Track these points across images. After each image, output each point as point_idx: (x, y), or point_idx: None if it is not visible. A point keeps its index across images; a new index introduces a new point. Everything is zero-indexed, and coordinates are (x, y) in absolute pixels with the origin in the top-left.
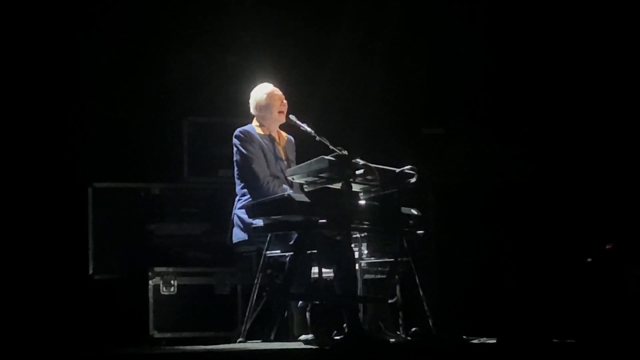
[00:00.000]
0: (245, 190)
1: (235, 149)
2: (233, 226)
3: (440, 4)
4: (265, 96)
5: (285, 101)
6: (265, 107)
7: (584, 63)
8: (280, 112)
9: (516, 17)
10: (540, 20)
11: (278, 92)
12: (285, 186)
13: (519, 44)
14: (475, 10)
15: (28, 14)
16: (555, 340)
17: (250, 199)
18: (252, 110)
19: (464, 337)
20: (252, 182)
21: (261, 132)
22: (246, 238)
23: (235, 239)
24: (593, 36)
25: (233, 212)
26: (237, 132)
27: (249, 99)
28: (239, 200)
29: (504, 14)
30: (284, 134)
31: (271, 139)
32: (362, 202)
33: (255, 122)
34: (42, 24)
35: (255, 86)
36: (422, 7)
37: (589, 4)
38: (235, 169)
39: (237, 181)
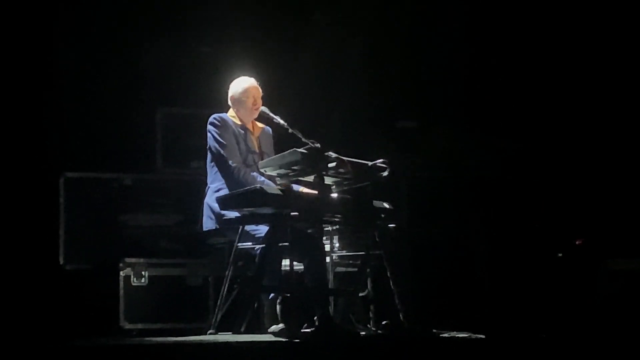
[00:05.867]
0: (216, 177)
1: (209, 134)
2: (203, 215)
3: None
4: (241, 90)
5: (259, 101)
6: (237, 101)
7: (558, 57)
8: (254, 108)
9: (492, 10)
10: (516, 14)
11: (255, 89)
12: (255, 174)
13: (493, 37)
14: (450, 3)
15: None
16: (534, 335)
17: (222, 189)
18: (228, 101)
19: (435, 330)
20: (223, 169)
21: (236, 122)
22: (216, 227)
23: (205, 228)
24: (568, 30)
25: (204, 201)
26: (211, 118)
27: (228, 88)
28: (209, 188)
29: (480, 6)
30: (259, 124)
31: (244, 129)
32: (335, 195)
33: (230, 112)
34: (11, 12)
35: (234, 77)
36: (398, 1)
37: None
38: (208, 155)
39: (209, 169)
